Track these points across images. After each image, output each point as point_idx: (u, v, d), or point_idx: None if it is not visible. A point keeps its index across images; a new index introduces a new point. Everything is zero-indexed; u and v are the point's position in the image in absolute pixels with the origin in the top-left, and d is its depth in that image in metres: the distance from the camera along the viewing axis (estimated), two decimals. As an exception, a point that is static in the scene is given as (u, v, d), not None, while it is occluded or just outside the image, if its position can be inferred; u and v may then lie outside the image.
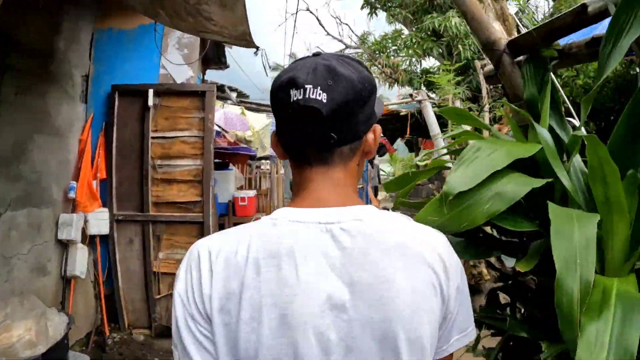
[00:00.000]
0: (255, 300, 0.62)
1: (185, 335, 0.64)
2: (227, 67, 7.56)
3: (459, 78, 4.14)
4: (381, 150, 10.89)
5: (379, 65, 7.51)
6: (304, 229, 0.66)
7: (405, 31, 7.81)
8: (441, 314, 0.68)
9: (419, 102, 3.58)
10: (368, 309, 0.62)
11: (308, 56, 0.72)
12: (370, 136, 0.73)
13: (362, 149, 0.73)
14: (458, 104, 3.79)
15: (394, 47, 7.99)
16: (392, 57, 7.70)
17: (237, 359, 0.62)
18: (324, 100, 0.64)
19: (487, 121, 3.45)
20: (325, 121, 0.65)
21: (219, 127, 6.73)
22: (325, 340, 0.61)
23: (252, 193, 9.71)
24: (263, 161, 9.87)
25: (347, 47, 8.25)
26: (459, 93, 4.09)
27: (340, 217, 0.67)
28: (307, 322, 0.61)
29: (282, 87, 0.67)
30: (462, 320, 0.72)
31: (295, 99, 0.65)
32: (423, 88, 7.21)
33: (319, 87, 0.64)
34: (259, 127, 8.96)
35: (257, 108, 10.49)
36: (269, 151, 10.74)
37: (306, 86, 0.64)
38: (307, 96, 0.64)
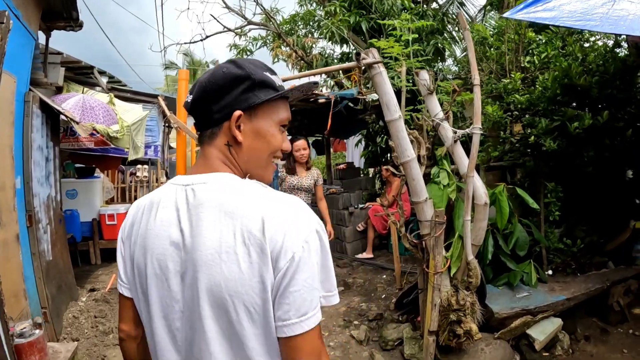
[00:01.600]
0: (138, 230, 0.97)
1: (117, 252, 1.03)
2: (80, 27, 5.77)
3: (416, 46, 3.05)
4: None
5: (288, 47, 6.31)
6: (172, 188, 0.95)
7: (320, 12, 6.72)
8: (263, 278, 0.80)
9: (368, 67, 2.39)
10: (190, 250, 0.87)
11: None
12: (225, 124, 0.94)
13: (224, 132, 0.95)
14: (425, 77, 2.69)
15: (304, 30, 6.87)
16: (304, 37, 6.57)
17: (132, 272, 0.98)
18: (189, 100, 0.97)
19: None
20: (190, 112, 0.98)
21: (65, 115, 4.89)
22: (164, 267, 0.90)
23: (123, 209, 7.80)
24: (139, 166, 8.05)
25: (249, 22, 6.88)
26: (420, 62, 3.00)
27: (194, 180, 0.92)
28: (154, 250, 0.92)
29: None
30: (299, 301, 0.81)
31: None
32: (341, 74, 6.21)
33: (190, 95, 0.98)
34: (131, 120, 7.11)
35: (132, 97, 8.56)
36: (153, 152, 8.93)
37: (189, 95, 0.98)
38: (187, 100, 0.99)
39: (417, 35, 3.15)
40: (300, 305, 0.80)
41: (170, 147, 10.27)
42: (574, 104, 3.45)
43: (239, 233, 0.81)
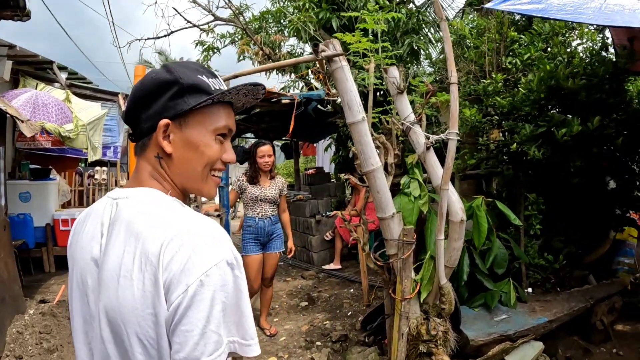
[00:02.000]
0: (72, 242, 0.93)
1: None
2: (28, 16, 5.32)
3: (387, 43, 2.68)
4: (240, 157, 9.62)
5: (255, 44, 5.86)
6: (103, 201, 0.90)
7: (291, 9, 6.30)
8: (155, 309, 0.72)
9: (328, 60, 2.00)
10: (102, 270, 0.81)
11: None
12: (154, 134, 0.86)
13: (153, 143, 0.86)
14: (395, 74, 2.32)
15: (275, 29, 6.44)
16: (273, 35, 6.13)
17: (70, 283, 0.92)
18: (124, 109, 1.13)
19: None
20: (126, 122, 0.91)
21: (8, 113, 4.38)
22: (85, 282, 0.85)
23: (79, 213, 7.27)
24: (98, 168, 7.46)
25: (215, 18, 6.41)
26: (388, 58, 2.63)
27: (120, 195, 0.87)
28: (78, 263, 0.88)
29: None
30: (190, 343, 0.70)
31: None
32: (311, 75, 5.81)
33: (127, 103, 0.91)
34: (87, 119, 6.56)
35: (92, 95, 7.97)
36: (112, 154, 8.32)
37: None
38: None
39: (385, 27, 2.75)
40: (192, 350, 0.70)
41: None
42: (559, 108, 3.12)
43: (137, 257, 0.75)
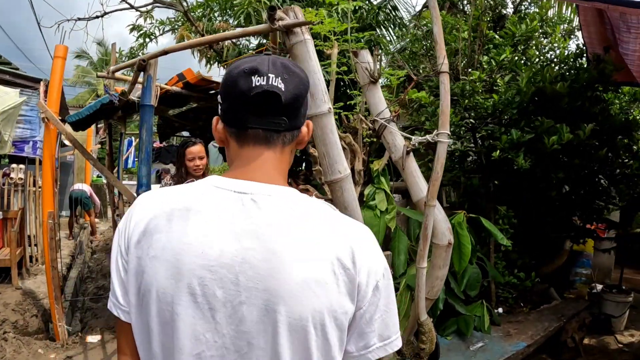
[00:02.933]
0: (161, 242, 0.73)
1: (112, 267, 0.80)
2: None
3: (354, 22, 2.17)
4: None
5: (197, 32, 5.14)
6: (218, 193, 0.76)
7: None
8: (346, 308, 0.73)
9: (287, 30, 1.43)
10: (257, 276, 0.70)
11: (260, 54, 0.81)
12: (304, 129, 0.84)
13: (298, 139, 0.84)
14: (368, 59, 1.81)
15: (220, 19, 5.75)
16: (218, 22, 5.44)
17: (138, 291, 0.74)
18: (283, 89, 0.74)
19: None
20: (282, 106, 0.76)
21: None
22: (210, 294, 0.70)
23: (-8, 217, 6.26)
24: (14, 166, 6.36)
25: (155, 0, 5.61)
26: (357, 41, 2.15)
27: (254, 190, 0.76)
28: (194, 272, 0.70)
29: (244, 74, 0.75)
30: (382, 326, 0.78)
31: (258, 84, 0.74)
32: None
33: (279, 78, 0.75)
34: (0, 107, 5.51)
35: (12, 80, 6.82)
36: (31, 149, 7.19)
37: (269, 75, 0.74)
38: (270, 82, 0.74)
39: (360, 3, 2.22)
40: (385, 330, 0.79)
41: (63, 145, 8.51)
42: (541, 115, 2.75)
43: (327, 262, 0.73)
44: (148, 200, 0.80)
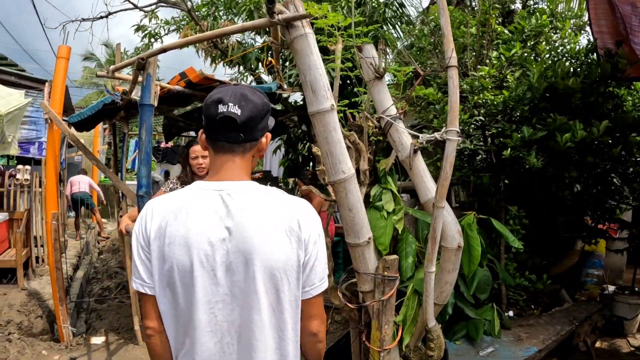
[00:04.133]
0: (173, 232, 1.07)
1: (136, 258, 1.11)
2: None
3: (359, 17, 2.08)
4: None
5: (202, 31, 5.07)
6: (203, 192, 1.12)
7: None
8: (299, 257, 1.11)
9: (287, 24, 1.33)
10: (237, 243, 1.07)
11: (230, 86, 1.17)
12: (263, 140, 1.19)
13: (258, 147, 1.19)
14: (373, 53, 1.71)
15: (225, 18, 5.67)
16: (222, 21, 5.36)
17: (163, 269, 1.08)
18: (239, 114, 1.09)
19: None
20: (239, 126, 1.10)
21: None
22: (211, 260, 1.07)
23: (1, 217, 6.27)
24: (20, 167, 6.34)
25: (159, 0, 5.54)
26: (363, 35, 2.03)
27: (227, 187, 1.12)
28: (199, 246, 1.06)
29: (213, 103, 1.10)
30: (321, 270, 1.16)
31: (221, 110, 1.09)
32: (261, 69, 5.11)
33: (236, 105, 1.09)
34: (5, 108, 5.47)
35: (17, 82, 6.80)
36: (37, 150, 7.17)
37: (229, 103, 1.09)
38: (229, 110, 1.08)
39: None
40: (321, 273, 1.16)
41: (70, 145, 8.49)
42: (552, 111, 2.63)
43: (282, 228, 1.09)
44: (155, 206, 1.13)
